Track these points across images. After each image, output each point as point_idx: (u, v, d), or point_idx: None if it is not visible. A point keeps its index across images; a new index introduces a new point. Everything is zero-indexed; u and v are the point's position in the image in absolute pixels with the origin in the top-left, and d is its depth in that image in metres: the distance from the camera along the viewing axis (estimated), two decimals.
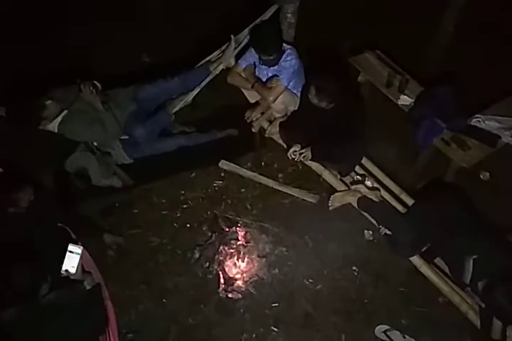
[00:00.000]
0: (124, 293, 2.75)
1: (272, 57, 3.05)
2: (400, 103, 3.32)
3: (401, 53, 3.60)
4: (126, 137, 3.20)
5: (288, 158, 3.05)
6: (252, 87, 3.21)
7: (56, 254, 2.29)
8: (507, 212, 3.04)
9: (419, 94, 3.29)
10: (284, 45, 3.11)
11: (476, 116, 3.14)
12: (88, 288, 2.33)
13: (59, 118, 3.01)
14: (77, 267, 2.30)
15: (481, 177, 3.32)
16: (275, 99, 3.15)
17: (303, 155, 2.99)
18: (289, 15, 3.31)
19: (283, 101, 3.17)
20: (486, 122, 3.12)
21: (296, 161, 3.07)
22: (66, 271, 2.29)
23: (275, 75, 3.16)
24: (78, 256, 2.31)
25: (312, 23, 3.71)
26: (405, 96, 3.30)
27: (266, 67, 3.18)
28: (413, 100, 3.29)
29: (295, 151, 3.00)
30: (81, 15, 4.04)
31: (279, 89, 3.12)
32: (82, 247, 2.35)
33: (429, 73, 3.60)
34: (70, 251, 2.30)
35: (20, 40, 3.82)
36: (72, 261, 2.30)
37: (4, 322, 2.04)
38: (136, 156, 3.22)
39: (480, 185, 3.28)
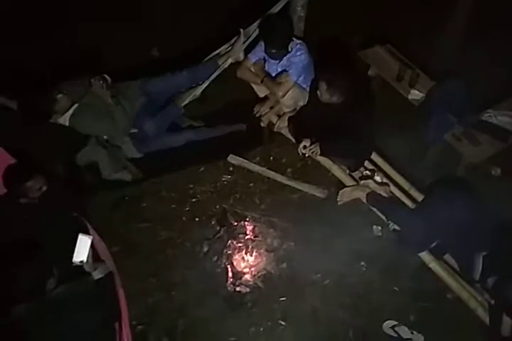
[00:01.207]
0: (134, 285, 2.77)
1: (276, 52, 3.04)
2: (410, 97, 3.30)
3: (412, 47, 3.57)
4: (136, 131, 3.22)
5: (297, 153, 3.05)
6: (262, 81, 3.21)
7: (67, 245, 2.30)
8: None
9: (430, 89, 3.26)
10: (294, 39, 3.09)
11: (488, 111, 3.11)
12: (100, 276, 2.34)
13: (70, 112, 3.04)
14: (88, 257, 2.32)
15: (492, 172, 3.29)
16: (284, 94, 3.15)
17: (312, 150, 2.98)
18: (299, 8, 3.29)
19: (292, 97, 3.16)
20: (498, 117, 3.09)
21: (305, 156, 3.06)
22: (78, 261, 2.31)
23: (284, 70, 3.15)
24: (88, 246, 2.32)
25: (322, 17, 3.69)
26: (416, 91, 3.28)
27: (275, 61, 3.16)
28: (424, 95, 3.26)
29: (305, 146, 2.99)
30: (90, 12, 4.04)
31: (288, 84, 3.12)
32: (91, 236, 2.36)
33: (440, 68, 3.56)
34: (80, 241, 2.32)
35: (30, 35, 3.83)
36: (82, 251, 2.31)
37: (13, 318, 2.04)
38: (146, 151, 3.24)
39: (491, 181, 3.24)
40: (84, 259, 2.30)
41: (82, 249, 2.30)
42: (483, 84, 3.32)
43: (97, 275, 2.33)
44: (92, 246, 2.35)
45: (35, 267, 2.10)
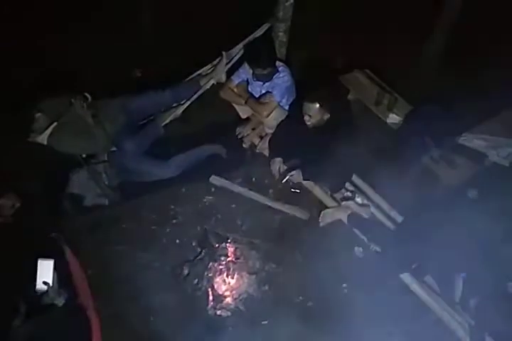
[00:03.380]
0: (110, 310, 2.67)
1: (265, 72, 3.09)
2: (388, 121, 3.38)
3: (390, 72, 3.68)
4: (115, 149, 3.18)
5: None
6: (246, 102, 3.24)
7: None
8: (494, 229, 3.08)
9: (407, 113, 3.36)
10: (277, 62, 3.15)
11: (464, 134, 3.21)
12: (63, 302, 2.22)
13: (48, 131, 2.98)
14: (52, 282, 2.20)
15: (469, 195, 3.36)
16: (269, 114, 3.19)
17: (292, 176, 3.01)
18: (280, 33, 3.37)
19: (275, 118, 3.20)
20: (474, 141, 3.19)
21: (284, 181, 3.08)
22: (43, 285, 2.18)
23: (268, 92, 3.20)
24: (51, 270, 2.18)
25: (303, 42, 3.78)
26: (394, 115, 3.38)
27: (259, 83, 3.21)
28: (402, 118, 3.36)
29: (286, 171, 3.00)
30: (74, 30, 4.04)
31: (272, 104, 3.17)
32: (53, 260, 2.19)
33: (418, 92, 3.68)
34: (41, 266, 2.17)
35: (10, 53, 3.79)
36: (45, 277, 2.18)
37: None
38: (126, 179, 3.19)
39: (468, 203, 3.31)
40: (49, 286, 2.17)
41: (45, 275, 2.18)
42: (460, 108, 3.44)
43: (60, 302, 2.21)
44: (68, 269, 2.25)
45: None
